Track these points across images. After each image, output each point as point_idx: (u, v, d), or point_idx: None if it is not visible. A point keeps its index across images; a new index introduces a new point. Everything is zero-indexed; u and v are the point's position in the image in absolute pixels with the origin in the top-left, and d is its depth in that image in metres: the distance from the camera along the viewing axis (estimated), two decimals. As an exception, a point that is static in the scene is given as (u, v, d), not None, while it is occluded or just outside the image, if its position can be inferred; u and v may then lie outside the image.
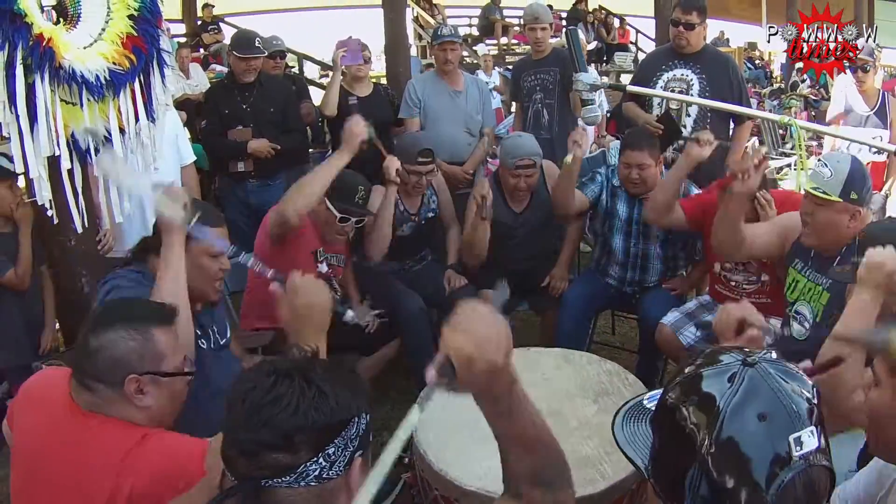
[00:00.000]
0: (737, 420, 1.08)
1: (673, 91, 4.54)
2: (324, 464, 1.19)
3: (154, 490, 1.66)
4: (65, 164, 2.63)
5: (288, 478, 1.17)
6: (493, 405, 1.31)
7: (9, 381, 3.85)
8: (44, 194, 2.62)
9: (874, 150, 5.54)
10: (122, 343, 1.78)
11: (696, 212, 3.68)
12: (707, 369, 1.16)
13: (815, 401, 1.13)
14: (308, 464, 1.18)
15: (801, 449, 1.07)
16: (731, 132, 4.56)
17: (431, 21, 14.56)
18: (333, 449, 1.20)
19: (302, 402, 1.18)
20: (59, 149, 2.57)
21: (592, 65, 12.73)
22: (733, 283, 3.69)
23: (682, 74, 4.52)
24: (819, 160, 2.91)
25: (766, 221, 3.30)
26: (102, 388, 1.77)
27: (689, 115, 4.50)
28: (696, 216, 3.68)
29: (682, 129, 4.45)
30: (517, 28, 15.43)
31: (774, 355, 1.18)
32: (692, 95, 4.48)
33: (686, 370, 1.20)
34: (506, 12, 16.15)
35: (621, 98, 5.15)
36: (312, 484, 1.18)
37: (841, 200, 2.73)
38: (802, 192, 2.95)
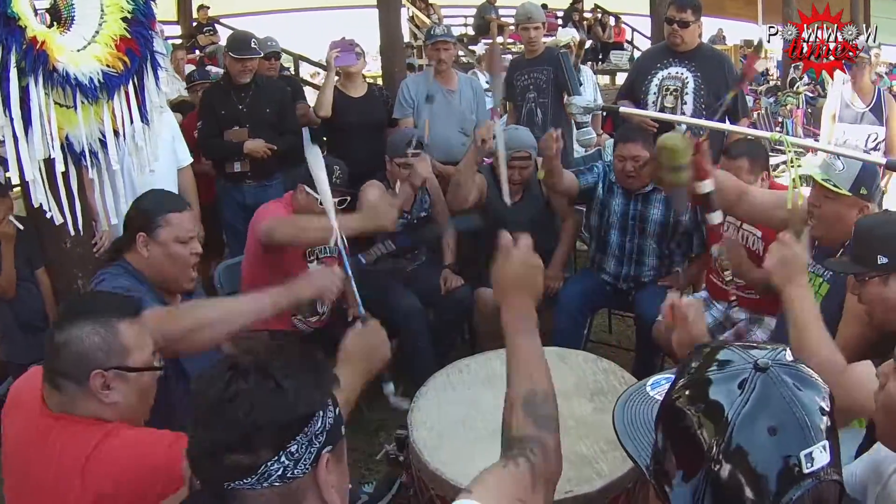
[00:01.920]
0: (746, 432, 1.03)
1: (668, 89, 4.54)
2: (286, 462, 1.14)
3: (119, 489, 1.65)
4: (59, 167, 2.64)
5: (249, 479, 1.13)
6: (521, 320, 1.60)
7: (13, 378, 3.89)
8: (39, 197, 2.62)
9: (870, 147, 5.56)
10: (85, 338, 1.75)
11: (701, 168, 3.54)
12: (715, 372, 1.11)
13: (829, 409, 1.07)
14: (269, 463, 1.13)
15: (813, 465, 1.02)
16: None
17: (427, 21, 14.55)
18: (296, 446, 1.15)
19: (258, 398, 1.14)
20: (54, 151, 2.57)
21: (588, 64, 12.72)
22: (728, 277, 3.67)
23: (677, 73, 4.53)
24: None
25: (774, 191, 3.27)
26: (69, 385, 1.75)
27: (684, 113, 4.50)
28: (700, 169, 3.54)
29: (677, 127, 4.45)
30: (513, 27, 15.43)
31: (789, 357, 1.12)
32: (687, 93, 4.49)
33: (693, 367, 1.15)
34: (501, 11, 16.12)
35: (615, 98, 5.15)
36: (276, 484, 1.14)
37: (850, 195, 2.71)
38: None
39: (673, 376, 1.21)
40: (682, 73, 4.51)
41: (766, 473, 1.02)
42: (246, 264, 3.76)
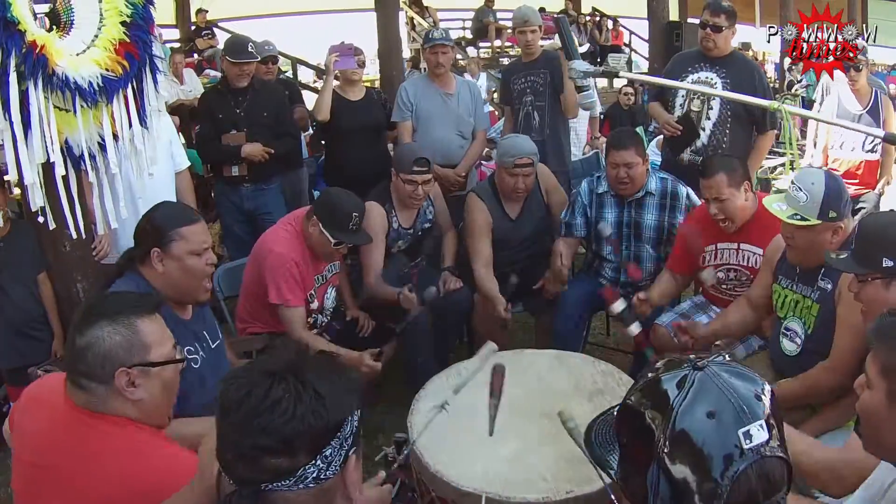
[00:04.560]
0: (687, 418, 1.15)
1: (695, 94, 4.55)
2: (321, 465, 1.21)
3: (160, 495, 1.66)
4: (59, 171, 2.64)
5: (287, 481, 1.19)
6: None
7: (6, 385, 3.88)
8: (37, 201, 2.62)
9: (867, 148, 5.57)
10: (107, 338, 1.77)
11: (681, 266, 3.80)
12: (662, 374, 1.23)
13: (765, 397, 1.18)
14: (307, 467, 1.20)
15: (752, 441, 1.13)
16: (753, 139, 4.58)
17: (425, 24, 14.56)
18: (330, 450, 1.22)
19: (299, 406, 1.19)
20: (54, 155, 2.57)
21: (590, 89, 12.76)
22: (725, 285, 3.69)
23: (707, 77, 4.51)
24: (792, 183, 2.86)
25: (760, 274, 3.34)
26: (94, 386, 1.77)
27: (708, 119, 4.51)
28: (683, 267, 3.80)
29: (700, 132, 4.48)
30: (510, 31, 15.46)
31: (726, 358, 1.24)
32: (715, 100, 4.48)
33: (649, 375, 1.26)
34: (499, 15, 16.16)
35: (651, 97, 5.15)
36: (311, 485, 1.20)
37: (821, 223, 2.73)
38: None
39: None
40: (711, 78, 4.50)
41: (710, 451, 1.13)
42: (249, 283, 3.74)
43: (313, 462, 1.20)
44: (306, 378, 1.22)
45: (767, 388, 1.20)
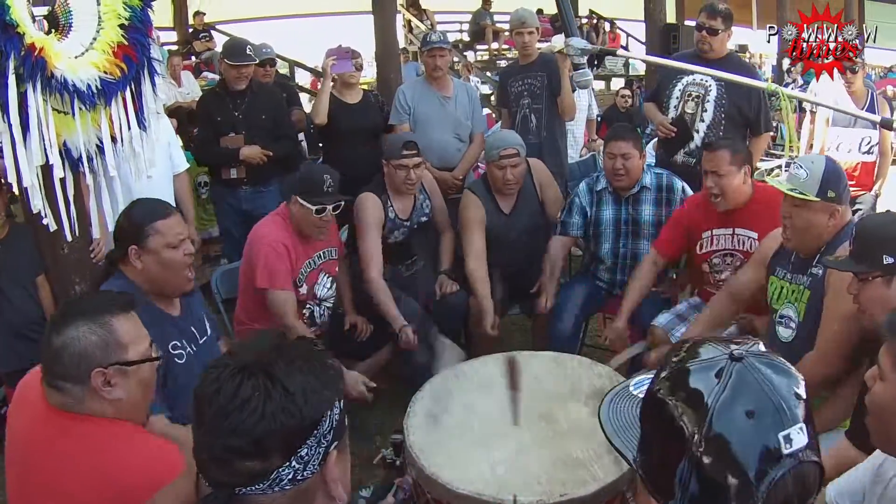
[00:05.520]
0: (725, 417, 1.07)
1: (690, 95, 4.56)
2: (297, 466, 1.15)
3: (146, 489, 1.66)
4: (57, 173, 2.64)
5: (261, 485, 1.14)
6: None
7: (5, 387, 3.88)
8: (37, 203, 2.63)
9: (864, 150, 5.58)
10: (82, 338, 1.76)
11: (670, 249, 3.85)
12: (693, 363, 1.14)
13: (804, 395, 1.11)
14: (281, 469, 1.14)
15: (791, 446, 1.06)
16: (747, 141, 4.57)
17: (422, 27, 14.59)
18: (306, 450, 1.16)
19: (268, 405, 1.13)
20: (53, 157, 2.58)
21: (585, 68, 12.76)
22: (721, 282, 3.70)
23: (702, 80, 4.52)
24: (794, 162, 2.91)
25: (748, 263, 3.38)
26: (70, 387, 1.76)
27: (702, 121, 4.53)
28: (672, 250, 3.87)
29: (694, 134, 4.50)
30: (507, 33, 15.49)
31: (762, 348, 1.15)
32: (709, 102, 4.51)
33: (674, 360, 1.18)
34: (496, 17, 16.18)
35: (648, 96, 5.15)
36: (287, 488, 1.15)
37: (819, 200, 2.75)
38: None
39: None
40: (705, 81, 4.51)
41: (747, 456, 1.06)
42: (245, 281, 3.74)
43: (288, 464, 1.14)
44: (276, 374, 1.15)
45: (802, 383, 1.12)
